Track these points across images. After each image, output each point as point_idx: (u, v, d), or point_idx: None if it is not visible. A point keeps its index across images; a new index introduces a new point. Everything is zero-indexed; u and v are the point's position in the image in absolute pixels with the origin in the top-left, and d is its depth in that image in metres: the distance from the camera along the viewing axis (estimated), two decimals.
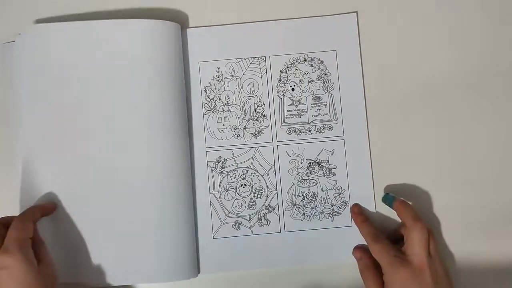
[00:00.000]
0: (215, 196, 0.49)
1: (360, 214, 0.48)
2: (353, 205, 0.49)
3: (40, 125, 0.47)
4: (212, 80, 0.49)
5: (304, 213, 0.49)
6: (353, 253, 0.48)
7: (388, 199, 0.47)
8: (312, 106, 0.49)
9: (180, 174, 0.47)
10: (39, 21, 0.49)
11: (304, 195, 0.49)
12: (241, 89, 0.49)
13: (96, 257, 0.46)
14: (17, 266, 0.40)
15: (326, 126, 0.49)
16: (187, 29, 0.49)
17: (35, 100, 0.47)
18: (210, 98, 0.49)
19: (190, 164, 0.48)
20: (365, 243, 0.46)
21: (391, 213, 0.48)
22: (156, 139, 0.47)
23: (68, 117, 0.47)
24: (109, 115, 0.47)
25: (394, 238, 0.46)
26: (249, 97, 0.49)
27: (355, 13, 0.49)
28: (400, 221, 0.46)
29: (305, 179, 0.49)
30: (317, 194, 0.49)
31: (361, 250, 0.47)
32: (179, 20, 0.49)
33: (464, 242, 0.48)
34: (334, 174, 0.49)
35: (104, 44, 0.47)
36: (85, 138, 0.47)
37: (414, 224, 0.43)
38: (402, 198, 0.46)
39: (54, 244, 0.46)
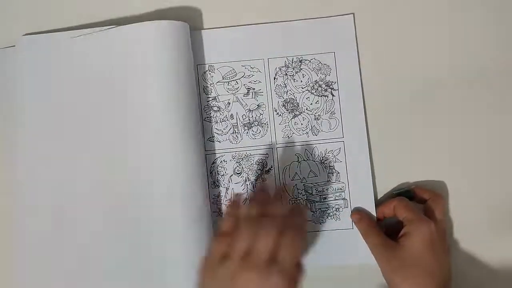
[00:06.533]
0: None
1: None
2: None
3: (46, 130, 0.47)
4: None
5: None
6: (351, 216, 0.48)
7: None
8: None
9: (198, 177, 0.46)
10: (46, 31, 0.49)
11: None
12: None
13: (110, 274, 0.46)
14: None
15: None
16: None
17: (41, 105, 0.47)
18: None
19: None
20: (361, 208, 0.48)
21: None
22: (174, 142, 0.46)
23: (78, 126, 0.47)
24: (121, 120, 0.47)
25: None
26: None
27: (352, 15, 0.50)
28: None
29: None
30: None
31: (359, 212, 0.48)
32: None
33: (466, 240, 0.48)
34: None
35: (113, 50, 0.47)
36: (94, 144, 0.47)
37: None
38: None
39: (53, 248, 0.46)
